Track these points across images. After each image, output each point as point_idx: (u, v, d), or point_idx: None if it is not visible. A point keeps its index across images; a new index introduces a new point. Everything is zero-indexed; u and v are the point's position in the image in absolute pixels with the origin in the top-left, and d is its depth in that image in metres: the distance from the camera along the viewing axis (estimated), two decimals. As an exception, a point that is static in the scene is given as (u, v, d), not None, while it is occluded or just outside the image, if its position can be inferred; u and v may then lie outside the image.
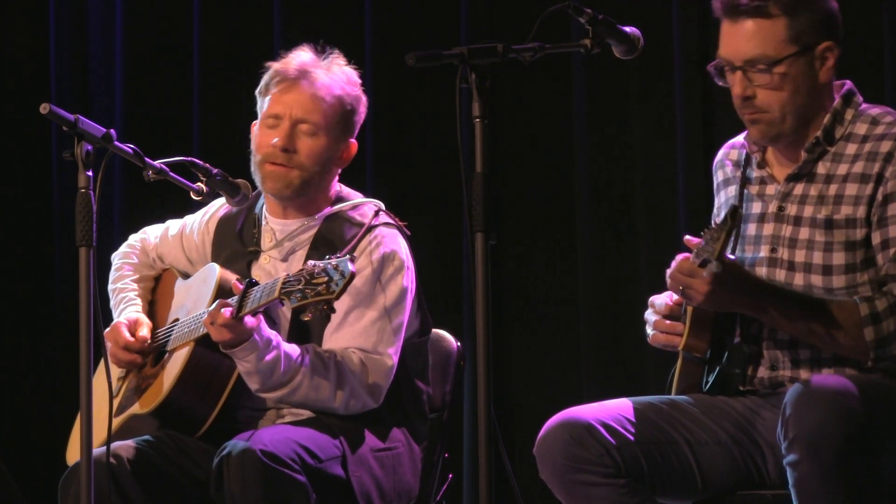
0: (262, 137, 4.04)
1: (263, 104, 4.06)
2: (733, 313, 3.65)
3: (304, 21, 5.94)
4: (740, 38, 3.60)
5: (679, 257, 3.55)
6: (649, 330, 3.75)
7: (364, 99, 4.10)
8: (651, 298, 3.77)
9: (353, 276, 3.60)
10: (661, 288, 3.77)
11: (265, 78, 4.07)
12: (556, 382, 5.65)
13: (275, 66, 4.07)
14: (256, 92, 4.10)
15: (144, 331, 4.09)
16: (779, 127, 3.63)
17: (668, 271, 3.57)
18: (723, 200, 3.83)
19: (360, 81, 4.10)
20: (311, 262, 3.66)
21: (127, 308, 4.18)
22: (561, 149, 5.65)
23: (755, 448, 3.62)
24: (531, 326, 5.72)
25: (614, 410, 3.59)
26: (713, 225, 3.44)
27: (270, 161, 4.01)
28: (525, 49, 3.31)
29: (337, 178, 4.11)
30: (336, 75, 4.04)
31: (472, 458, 5.56)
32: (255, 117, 4.12)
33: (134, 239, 4.33)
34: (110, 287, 4.26)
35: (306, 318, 3.69)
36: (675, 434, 3.60)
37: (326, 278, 3.61)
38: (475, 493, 5.55)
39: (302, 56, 4.06)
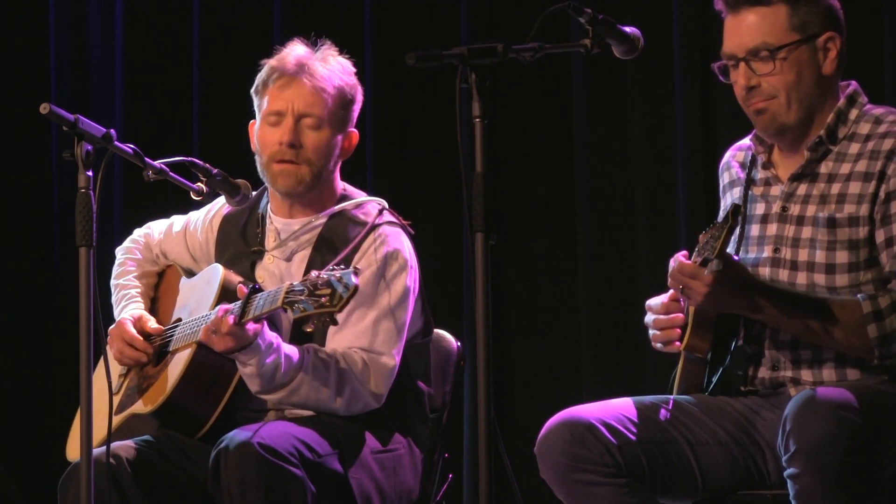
0: (265, 136, 4.02)
1: (262, 103, 4.04)
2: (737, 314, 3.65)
3: (304, 21, 5.93)
4: (742, 30, 3.63)
5: (678, 255, 3.55)
6: (651, 332, 3.75)
7: (360, 88, 4.09)
8: (647, 302, 3.76)
9: (356, 289, 3.58)
10: (662, 288, 3.77)
11: (262, 75, 4.04)
12: (556, 382, 5.65)
13: (271, 62, 4.04)
14: (252, 91, 4.07)
15: (153, 324, 4.08)
16: (784, 116, 3.63)
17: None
18: (728, 203, 3.82)
19: (354, 70, 4.08)
20: (314, 273, 3.64)
21: (129, 305, 4.17)
22: (561, 149, 5.65)
23: (755, 448, 3.62)
24: (531, 326, 5.72)
25: (615, 410, 3.59)
26: (715, 224, 3.44)
27: (278, 159, 3.99)
28: (525, 49, 3.31)
29: (339, 172, 4.10)
30: (333, 66, 4.03)
31: (472, 458, 5.56)
32: (255, 117, 4.10)
33: (138, 234, 4.33)
34: (112, 282, 4.26)
35: (309, 329, 3.68)
36: (676, 434, 3.60)
37: (330, 290, 3.59)
38: (475, 493, 5.55)
39: (297, 50, 4.04)
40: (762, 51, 3.60)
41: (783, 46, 3.59)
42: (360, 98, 4.08)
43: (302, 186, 3.99)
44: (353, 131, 4.08)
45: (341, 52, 4.11)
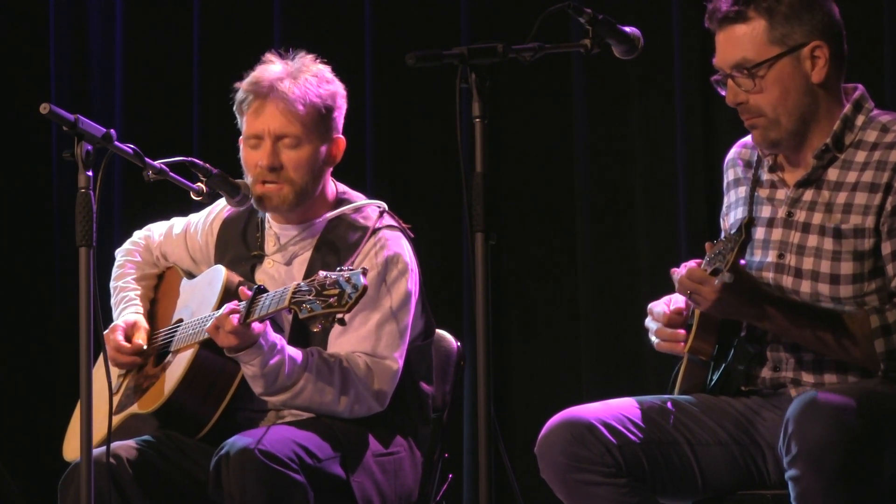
0: (248, 158, 4.01)
1: (242, 124, 4.04)
2: (741, 315, 3.65)
3: (304, 21, 5.94)
4: (727, 46, 3.63)
5: (690, 263, 3.54)
6: (653, 338, 3.75)
7: (341, 91, 4.05)
8: (649, 306, 3.76)
9: (365, 289, 3.58)
10: (661, 288, 3.76)
11: (238, 98, 4.03)
12: (556, 382, 5.65)
13: (243, 86, 4.02)
14: (234, 110, 4.07)
15: (140, 337, 4.08)
16: (776, 130, 3.62)
17: (677, 276, 3.55)
18: (732, 200, 3.81)
19: (332, 77, 4.04)
20: (322, 273, 3.64)
21: (127, 308, 4.17)
22: (561, 149, 5.65)
23: (755, 448, 3.62)
24: (531, 326, 5.72)
25: (616, 410, 3.59)
26: (723, 234, 3.43)
27: (261, 181, 3.98)
28: (525, 49, 3.31)
29: (330, 177, 4.09)
30: (305, 81, 3.99)
31: (472, 458, 5.56)
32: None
33: (138, 236, 4.33)
34: (112, 284, 4.26)
35: (315, 330, 3.68)
36: (676, 434, 3.60)
37: (338, 290, 3.59)
38: (475, 493, 5.55)
39: (269, 69, 4.01)
40: (743, 67, 3.59)
41: (762, 63, 3.57)
42: (341, 103, 4.05)
43: (286, 205, 3.99)
44: (339, 138, 4.05)
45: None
